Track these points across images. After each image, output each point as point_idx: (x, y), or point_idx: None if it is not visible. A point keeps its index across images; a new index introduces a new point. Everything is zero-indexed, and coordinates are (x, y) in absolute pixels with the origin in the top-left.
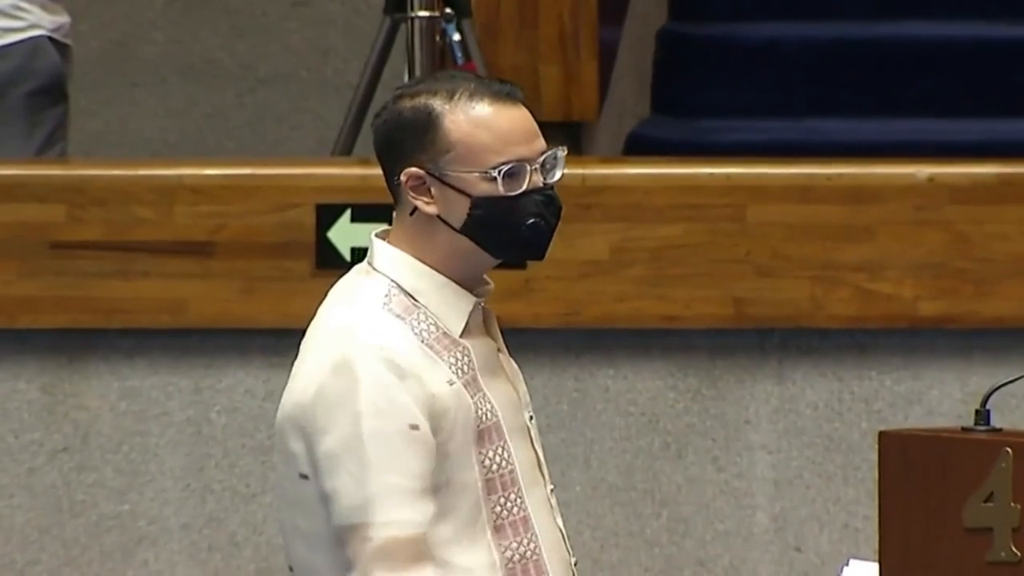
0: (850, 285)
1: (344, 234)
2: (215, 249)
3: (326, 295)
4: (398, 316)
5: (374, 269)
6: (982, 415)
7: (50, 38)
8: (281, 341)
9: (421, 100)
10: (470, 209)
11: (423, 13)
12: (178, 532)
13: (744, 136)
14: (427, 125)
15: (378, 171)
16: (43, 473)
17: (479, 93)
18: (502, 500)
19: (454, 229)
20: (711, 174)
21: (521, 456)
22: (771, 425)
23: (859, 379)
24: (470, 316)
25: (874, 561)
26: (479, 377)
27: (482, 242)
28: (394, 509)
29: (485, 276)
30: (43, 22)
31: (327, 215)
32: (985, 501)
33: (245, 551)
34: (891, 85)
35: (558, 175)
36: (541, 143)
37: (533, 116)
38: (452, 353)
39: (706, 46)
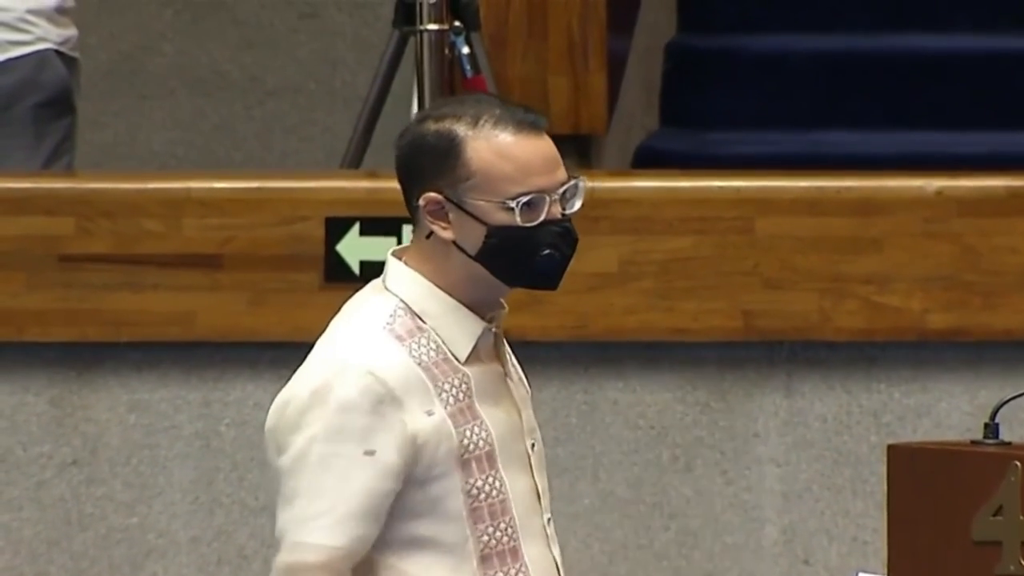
0: (859, 297)
1: (353, 247)
2: (223, 262)
3: (339, 308)
4: (398, 337)
5: (386, 288)
6: (991, 428)
7: (57, 51)
8: (290, 354)
9: (445, 125)
10: (486, 237)
11: (432, 26)
12: (187, 545)
13: (753, 148)
14: (449, 151)
15: (387, 184)
16: (52, 486)
17: (503, 121)
18: (490, 529)
19: (469, 256)
20: (720, 187)
21: (517, 485)
22: (780, 438)
23: (868, 392)
24: (478, 341)
25: (882, 574)
26: (475, 404)
27: (496, 270)
28: (312, 532)
29: (501, 300)
30: (50, 35)
31: (336, 228)
32: (994, 515)
33: (254, 564)
34: (899, 97)
35: (577, 205)
36: (562, 173)
37: (546, 129)
38: (449, 379)
39: (715, 58)
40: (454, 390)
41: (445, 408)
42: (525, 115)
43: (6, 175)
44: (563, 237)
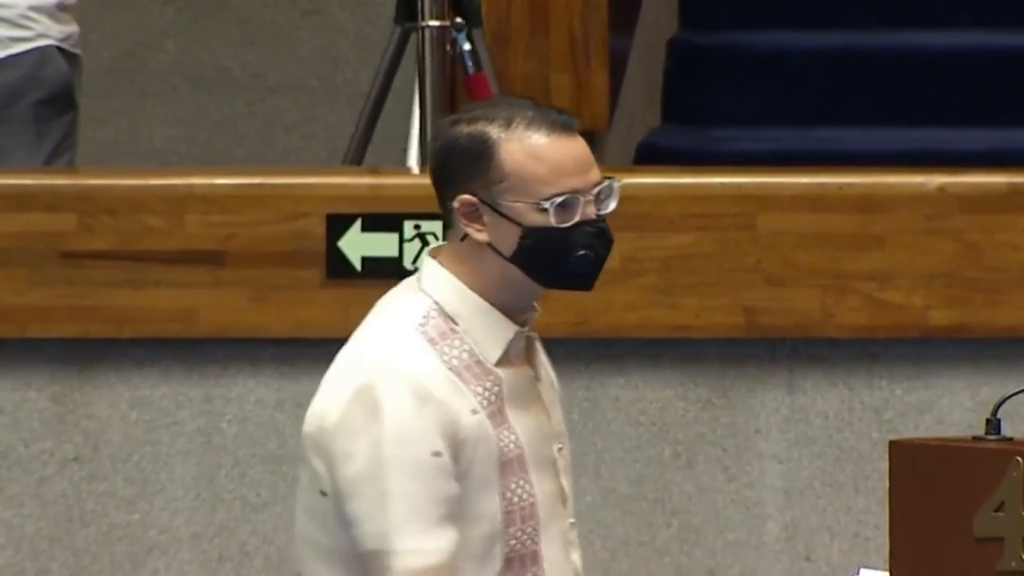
0: (861, 294)
1: (354, 243)
2: (225, 258)
3: (341, 304)
4: (430, 340)
5: (420, 288)
6: (993, 424)
7: (59, 48)
8: (291, 350)
9: (478, 127)
10: (520, 239)
11: (434, 22)
12: (188, 542)
13: (754, 145)
14: (482, 153)
15: (388, 181)
16: (53, 482)
17: (536, 123)
18: (517, 533)
19: (504, 257)
20: (721, 183)
21: (544, 489)
22: (781, 435)
23: (869, 388)
24: (510, 344)
25: (884, 570)
26: (506, 408)
27: (531, 271)
28: (416, 538)
29: (534, 304)
30: (51, 32)
31: (337, 224)
32: (996, 510)
33: (255, 561)
34: (901, 94)
35: (612, 206)
36: (596, 174)
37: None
38: (481, 382)
39: (716, 55)
40: (486, 392)
41: (482, 410)
42: (558, 116)
43: (8, 172)
44: (598, 237)
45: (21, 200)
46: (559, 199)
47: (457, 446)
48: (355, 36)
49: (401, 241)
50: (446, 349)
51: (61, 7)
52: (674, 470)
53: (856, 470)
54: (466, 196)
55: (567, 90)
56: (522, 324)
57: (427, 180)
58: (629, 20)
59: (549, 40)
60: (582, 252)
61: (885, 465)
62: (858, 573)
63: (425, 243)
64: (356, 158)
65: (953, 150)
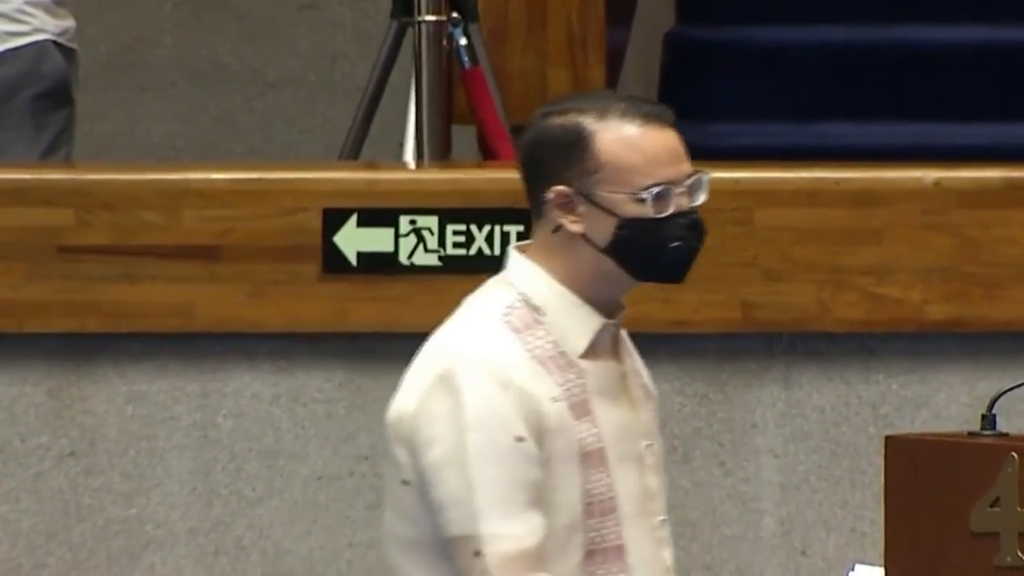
0: (858, 289)
1: (350, 238)
2: (222, 253)
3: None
4: (515, 330)
5: (508, 281)
6: (989, 420)
7: (55, 42)
8: (288, 345)
9: (571, 118)
10: (617, 229)
11: (430, 17)
12: (185, 536)
13: (751, 140)
14: (576, 144)
15: (384, 175)
16: (50, 477)
17: (629, 113)
18: (597, 526)
19: (598, 249)
20: (719, 178)
21: (627, 485)
22: (778, 429)
23: (866, 383)
24: (596, 337)
25: (880, 566)
26: (590, 400)
27: (624, 263)
28: (503, 522)
29: (621, 300)
30: (48, 26)
31: (334, 219)
32: (992, 506)
33: (252, 555)
34: (900, 89)
35: (702, 198)
36: (687, 166)
37: None
38: (564, 374)
39: (713, 50)
40: (568, 384)
41: (563, 400)
42: (651, 107)
43: (5, 166)
44: (691, 229)
45: (18, 195)
46: (656, 189)
47: (541, 432)
48: (353, 31)
49: (397, 236)
50: (530, 339)
51: (57, 2)
52: (670, 465)
53: (852, 465)
54: (560, 187)
55: (564, 85)
56: (609, 318)
57: (423, 175)
58: (626, 14)
59: (546, 35)
60: (676, 244)
61: (881, 460)
62: (854, 568)
63: (420, 238)
64: (352, 153)
65: (953, 145)
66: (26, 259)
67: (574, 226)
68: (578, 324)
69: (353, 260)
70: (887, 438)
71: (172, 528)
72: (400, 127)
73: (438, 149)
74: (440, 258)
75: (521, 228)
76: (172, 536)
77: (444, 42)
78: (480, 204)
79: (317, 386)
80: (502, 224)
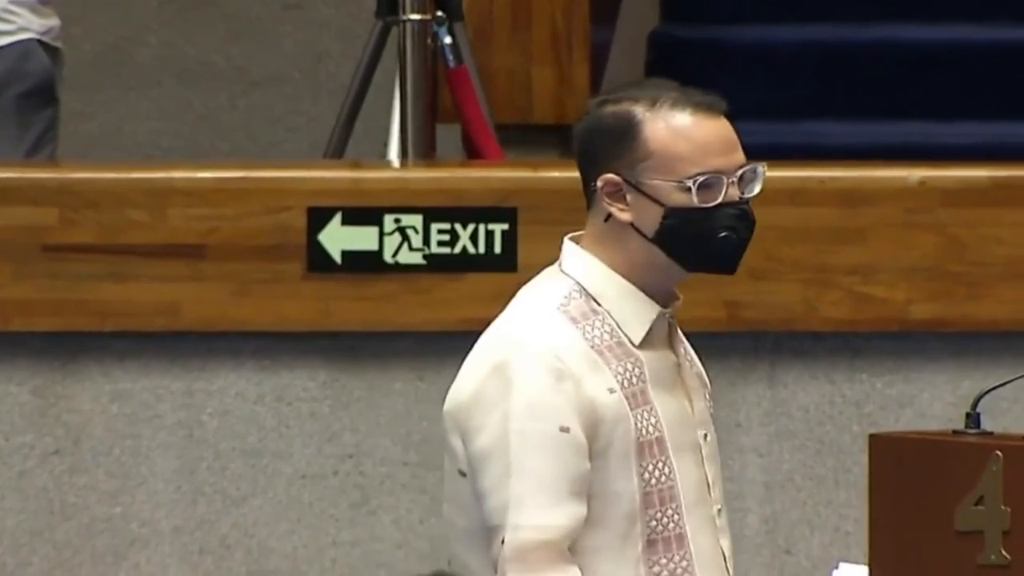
0: (843, 288)
1: (335, 237)
2: (207, 252)
3: (321, 298)
4: (572, 319)
5: (562, 271)
6: (973, 418)
7: (40, 41)
8: (272, 344)
9: (623, 107)
10: (663, 218)
11: (415, 16)
12: (169, 535)
13: None
14: (627, 132)
15: (369, 174)
16: (34, 476)
17: (681, 103)
18: (658, 515)
19: (646, 238)
20: None
21: (686, 473)
22: (762, 428)
23: (851, 382)
24: (652, 326)
25: (864, 564)
26: (648, 390)
27: (673, 252)
28: (533, 513)
29: (675, 290)
30: (32, 25)
31: (318, 218)
32: (976, 504)
33: (236, 554)
34: (885, 88)
35: (756, 189)
36: (740, 156)
37: (530, 119)
38: (622, 363)
39: (699, 49)
40: (628, 373)
41: (621, 390)
42: (703, 97)
43: None
44: (740, 219)
45: (3, 193)
46: (701, 178)
47: (595, 424)
48: (338, 30)
49: (381, 235)
50: (588, 329)
51: (43, 1)
52: None
53: (837, 464)
54: (610, 175)
55: (549, 83)
56: (664, 307)
57: (407, 174)
58: (611, 12)
59: (531, 33)
60: (724, 234)
61: (866, 459)
62: (838, 567)
63: (405, 237)
64: (337, 152)
65: (941, 144)
66: (11, 258)
67: (623, 215)
68: (634, 313)
69: (338, 259)
70: (871, 437)
71: (157, 527)
72: (385, 126)
73: (423, 148)
74: (425, 257)
75: (506, 227)
76: (157, 534)
77: (429, 41)
78: (465, 203)
79: (301, 385)
80: (487, 223)
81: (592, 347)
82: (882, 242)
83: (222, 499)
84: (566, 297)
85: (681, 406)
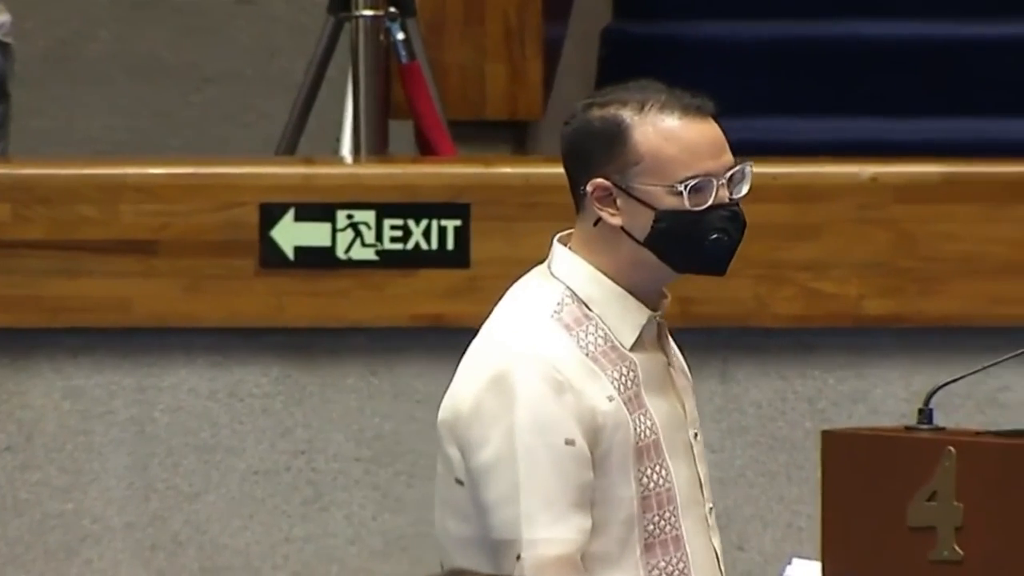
0: (795, 284)
1: (287, 233)
2: (159, 248)
3: (274, 294)
4: (566, 327)
5: (552, 274)
6: (925, 414)
7: None
8: (225, 340)
9: (611, 111)
10: (654, 222)
11: (367, 12)
12: (121, 531)
13: None
14: (616, 136)
15: (321, 170)
16: None
17: (669, 106)
18: (655, 518)
19: (637, 241)
20: None
21: (681, 474)
22: (715, 424)
23: (803, 378)
24: (643, 329)
25: (817, 560)
26: (643, 393)
27: (664, 255)
28: (545, 527)
29: (664, 290)
30: None
31: (271, 214)
32: (928, 500)
33: (188, 550)
34: (838, 84)
35: (745, 190)
36: (729, 158)
37: (483, 115)
38: (617, 367)
39: (651, 45)
40: (623, 378)
41: (619, 395)
42: (691, 99)
43: None
44: (731, 221)
45: None
46: (693, 182)
47: (595, 433)
48: (291, 26)
49: (334, 231)
50: (582, 335)
51: None
52: None
53: (789, 459)
54: (599, 179)
55: (502, 79)
56: (653, 309)
57: (360, 170)
58: (564, 8)
59: (484, 29)
60: (716, 236)
61: (818, 455)
62: (791, 563)
63: (358, 233)
64: (289, 148)
65: (893, 140)
66: None
67: (613, 219)
68: (626, 317)
69: (290, 255)
70: (824, 433)
71: (109, 523)
72: (337, 122)
73: (375, 144)
74: (377, 252)
75: (458, 222)
76: (109, 531)
77: (381, 37)
78: (417, 199)
79: (254, 381)
80: (439, 219)
81: (587, 354)
82: (835, 238)
83: (174, 495)
84: (559, 304)
85: (673, 407)
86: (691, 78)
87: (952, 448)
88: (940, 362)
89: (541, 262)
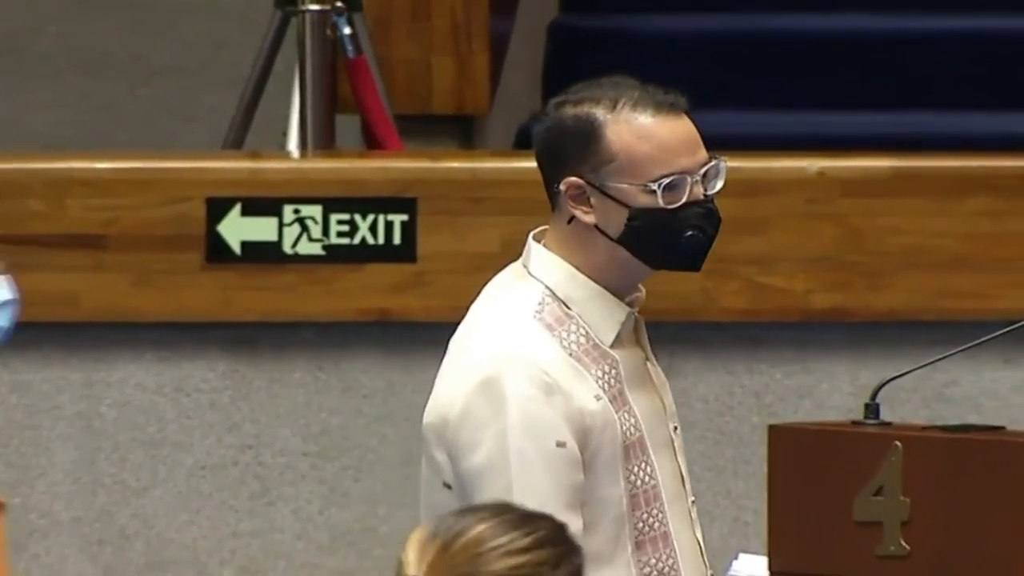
0: (742, 278)
1: (234, 227)
2: (107, 242)
3: (221, 288)
4: (548, 327)
5: (529, 273)
6: (872, 409)
7: None
8: (171, 334)
9: (584, 109)
10: (628, 220)
11: (314, 6)
12: (68, 525)
13: None
14: (589, 135)
15: (268, 165)
16: None
17: (642, 103)
18: (644, 516)
19: (611, 239)
20: None
21: (665, 469)
22: None
23: (750, 372)
24: (622, 326)
25: (764, 555)
26: (626, 390)
27: (639, 253)
28: None
29: (639, 285)
30: None
31: (217, 208)
32: (875, 495)
33: (136, 544)
34: (785, 78)
35: (719, 185)
36: (703, 154)
37: (430, 109)
38: (600, 366)
39: (596, 39)
40: (606, 376)
41: (604, 394)
42: (664, 96)
43: None
44: (706, 218)
45: None
46: (667, 180)
47: (585, 434)
48: (238, 20)
49: (281, 225)
50: (564, 335)
51: None
52: None
53: (736, 454)
54: (573, 178)
55: (448, 73)
56: (630, 305)
57: (307, 164)
58: (511, 3)
59: (431, 23)
60: (690, 233)
61: (765, 449)
62: (737, 557)
63: (304, 228)
64: (236, 142)
65: (840, 134)
66: None
67: (587, 217)
68: (605, 315)
69: (237, 249)
70: (771, 427)
71: (56, 517)
72: (284, 116)
73: (322, 138)
74: (324, 247)
75: (405, 217)
76: (56, 525)
77: (328, 31)
78: (364, 193)
79: (201, 375)
80: (386, 213)
81: (571, 354)
82: (782, 232)
83: (122, 490)
84: (540, 304)
85: (653, 401)
86: (638, 72)
87: (899, 443)
88: (887, 356)
89: (488, 257)
